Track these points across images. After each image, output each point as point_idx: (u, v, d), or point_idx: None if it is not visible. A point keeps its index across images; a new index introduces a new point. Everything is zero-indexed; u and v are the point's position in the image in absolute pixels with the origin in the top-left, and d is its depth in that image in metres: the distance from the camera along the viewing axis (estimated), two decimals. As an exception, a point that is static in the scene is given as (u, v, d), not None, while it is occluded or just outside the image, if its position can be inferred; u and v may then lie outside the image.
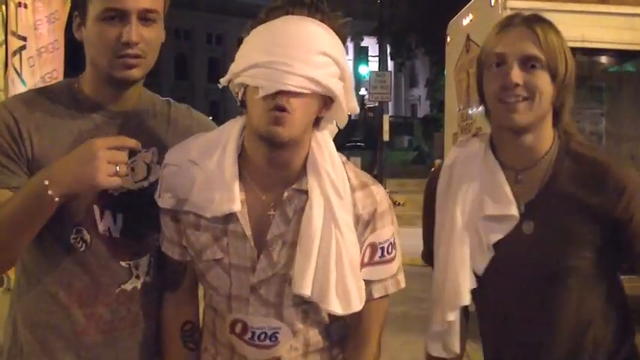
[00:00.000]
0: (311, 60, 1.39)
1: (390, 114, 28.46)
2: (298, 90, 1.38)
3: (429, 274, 1.72)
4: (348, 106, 1.52)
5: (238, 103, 1.52)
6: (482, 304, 1.68)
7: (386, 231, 1.55)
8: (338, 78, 1.45)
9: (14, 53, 4.95)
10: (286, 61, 1.37)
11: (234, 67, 1.46)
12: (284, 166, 1.49)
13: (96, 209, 1.56)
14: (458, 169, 1.69)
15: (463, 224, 1.63)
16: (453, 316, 1.64)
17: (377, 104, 20.07)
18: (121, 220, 1.59)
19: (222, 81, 1.50)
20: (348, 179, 1.53)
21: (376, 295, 1.56)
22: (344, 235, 1.47)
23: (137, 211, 1.60)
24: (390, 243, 1.56)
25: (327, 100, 1.47)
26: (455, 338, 1.67)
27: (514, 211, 1.58)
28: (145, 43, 1.53)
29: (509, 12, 5.06)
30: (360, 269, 1.52)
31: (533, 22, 1.57)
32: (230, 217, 1.48)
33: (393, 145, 30.73)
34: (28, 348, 1.58)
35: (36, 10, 5.02)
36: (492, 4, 5.32)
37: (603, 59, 6.05)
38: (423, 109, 50.48)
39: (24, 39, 4.91)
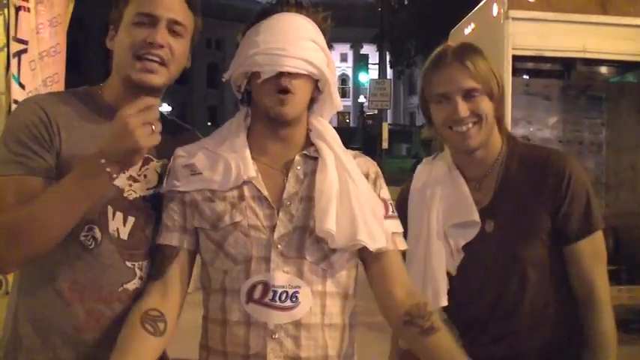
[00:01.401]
0: (303, 45, 1.59)
1: (388, 122, 28.50)
2: (295, 70, 1.57)
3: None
4: (335, 98, 1.71)
5: (239, 97, 1.71)
6: (453, 304, 1.84)
7: (387, 190, 1.74)
8: (326, 65, 1.65)
9: (12, 56, 4.93)
10: (282, 47, 1.56)
11: (235, 63, 1.65)
12: (288, 140, 1.67)
13: (109, 209, 1.62)
14: (430, 184, 1.94)
15: (437, 232, 1.86)
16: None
17: (376, 112, 20.09)
18: (131, 223, 1.65)
19: (225, 75, 1.69)
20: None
21: (400, 246, 1.71)
22: (357, 182, 1.63)
23: (147, 216, 1.67)
24: (392, 203, 1.75)
25: (317, 86, 1.67)
26: None
27: (476, 217, 1.82)
28: (170, 49, 1.64)
29: (511, 21, 5.09)
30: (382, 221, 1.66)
31: (463, 55, 1.79)
32: (246, 184, 1.61)
33: (391, 152, 30.71)
34: (27, 342, 1.60)
35: (38, 14, 5.01)
36: (494, 14, 5.32)
37: (604, 69, 6.05)
38: (422, 118, 50.40)
39: (25, 42, 4.90)
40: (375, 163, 1.78)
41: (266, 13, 1.64)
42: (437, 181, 1.92)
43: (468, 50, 1.83)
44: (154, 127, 1.47)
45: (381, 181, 1.74)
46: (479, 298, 1.85)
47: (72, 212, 1.50)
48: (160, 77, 1.65)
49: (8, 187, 1.52)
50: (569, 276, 1.79)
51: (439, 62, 1.82)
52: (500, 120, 1.86)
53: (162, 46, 1.62)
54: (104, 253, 1.62)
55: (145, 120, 1.45)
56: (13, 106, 4.85)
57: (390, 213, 1.71)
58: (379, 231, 1.62)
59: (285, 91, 1.57)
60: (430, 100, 1.85)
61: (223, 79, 1.70)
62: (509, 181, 1.83)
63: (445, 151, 1.98)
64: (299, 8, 1.65)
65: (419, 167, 2.05)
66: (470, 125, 1.78)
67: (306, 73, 1.59)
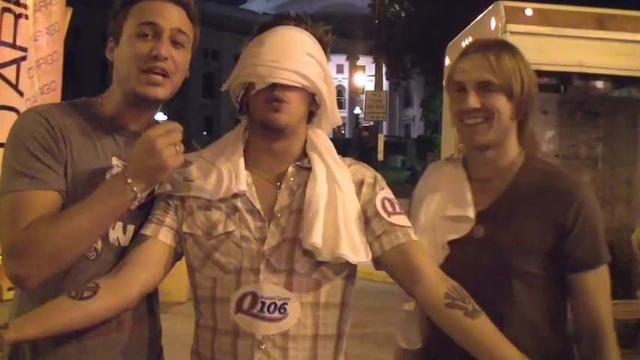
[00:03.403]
0: (298, 58, 1.60)
1: (384, 133, 28.56)
2: (288, 83, 1.57)
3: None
4: (332, 113, 1.71)
5: (237, 107, 1.72)
6: None
7: (389, 191, 1.72)
8: (322, 80, 1.64)
9: (5, 64, 4.87)
10: (276, 59, 1.58)
11: (234, 73, 1.67)
12: (284, 153, 1.67)
13: None
14: (431, 180, 1.92)
15: (424, 224, 1.81)
16: (410, 306, 1.83)
17: (372, 123, 20.12)
18: (130, 230, 1.66)
19: (224, 86, 1.70)
20: (342, 160, 1.72)
21: (414, 237, 1.67)
22: (346, 195, 1.62)
23: (145, 222, 1.66)
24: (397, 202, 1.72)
25: (314, 101, 1.67)
26: (414, 330, 1.83)
27: (470, 213, 1.77)
28: (173, 62, 1.64)
29: (509, 35, 5.10)
30: (389, 216, 1.65)
31: (487, 48, 1.75)
32: (239, 197, 1.62)
33: (386, 164, 30.82)
34: (29, 353, 1.59)
35: (36, 22, 4.99)
36: (492, 28, 5.34)
37: (600, 84, 6.08)
38: (417, 130, 50.78)
39: (24, 50, 4.88)
40: (371, 168, 1.75)
41: (266, 26, 1.66)
42: (439, 177, 1.88)
43: (495, 44, 1.78)
44: (177, 148, 1.51)
45: (381, 184, 1.71)
46: None
47: (98, 229, 1.53)
48: (164, 90, 1.65)
49: (24, 202, 1.51)
50: (573, 306, 1.75)
51: (463, 52, 1.80)
52: (522, 127, 1.79)
53: (166, 59, 1.62)
54: (104, 262, 1.62)
55: (170, 141, 1.49)
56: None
57: (397, 210, 1.68)
58: (365, 244, 1.62)
59: (279, 100, 1.58)
60: (449, 90, 1.81)
61: (222, 89, 1.71)
62: (515, 192, 1.76)
63: (459, 153, 1.95)
64: (298, 22, 1.66)
65: (429, 166, 2.03)
66: (479, 120, 1.73)
67: (299, 85, 1.59)
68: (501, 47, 1.76)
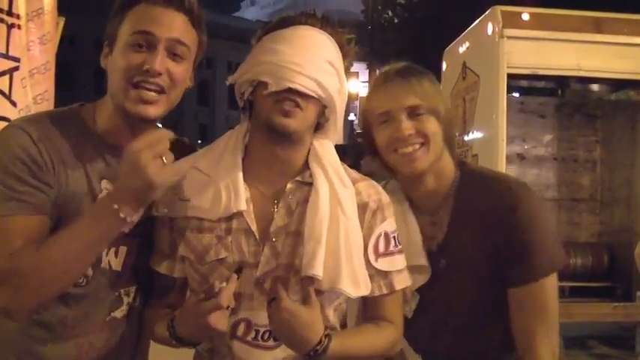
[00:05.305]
0: (320, 65, 1.46)
1: (379, 139, 28.46)
2: (305, 90, 1.44)
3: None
4: (339, 129, 1.60)
5: (241, 105, 1.57)
6: (414, 338, 1.80)
7: (393, 221, 1.61)
8: (337, 93, 1.52)
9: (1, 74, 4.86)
10: (298, 62, 1.43)
11: (244, 66, 1.51)
12: (287, 162, 1.54)
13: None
14: None
15: None
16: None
17: (367, 129, 20.17)
18: (123, 252, 1.56)
19: (230, 78, 1.55)
20: (348, 174, 1.60)
21: (398, 286, 1.59)
22: (349, 220, 1.50)
23: (139, 242, 1.58)
24: (397, 235, 1.61)
25: (324, 113, 1.55)
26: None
27: (423, 261, 1.71)
28: (169, 76, 1.49)
29: (506, 40, 5.09)
30: (377, 259, 1.55)
31: (407, 74, 1.69)
32: (235, 216, 1.50)
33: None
34: None
35: (29, 32, 4.96)
36: (489, 32, 5.32)
37: (598, 87, 6.08)
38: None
39: (17, 60, 4.85)
40: (380, 191, 1.63)
41: (287, 22, 1.52)
42: None
43: (412, 69, 1.73)
44: (165, 160, 1.33)
45: (385, 213, 1.59)
46: (436, 338, 1.78)
47: (88, 257, 1.41)
48: (157, 108, 1.51)
49: (12, 228, 1.39)
50: (511, 322, 1.66)
51: (382, 80, 1.71)
52: (451, 145, 1.74)
53: (160, 74, 1.47)
54: (95, 287, 1.54)
55: (155, 153, 1.32)
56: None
57: (390, 248, 1.58)
58: (365, 275, 1.52)
59: (294, 104, 1.46)
60: (373, 122, 1.72)
61: (227, 82, 1.57)
62: (461, 215, 1.71)
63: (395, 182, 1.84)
64: (324, 24, 1.52)
65: None
66: (416, 146, 1.66)
67: (315, 96, 1.47)
68: (417, 71, 1.72)
